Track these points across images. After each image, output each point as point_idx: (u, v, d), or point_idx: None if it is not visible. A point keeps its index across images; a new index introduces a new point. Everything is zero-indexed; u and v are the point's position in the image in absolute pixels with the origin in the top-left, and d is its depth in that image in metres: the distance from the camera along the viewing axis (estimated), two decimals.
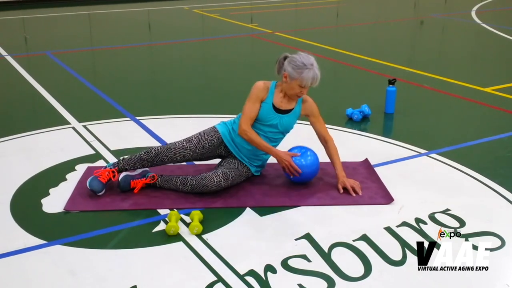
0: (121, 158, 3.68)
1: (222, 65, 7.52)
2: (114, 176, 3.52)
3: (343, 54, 7.90)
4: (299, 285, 2.63)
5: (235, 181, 3.53)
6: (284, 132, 3.63)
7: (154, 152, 3.59)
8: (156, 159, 3.58)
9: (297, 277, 2.69)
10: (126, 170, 3.59)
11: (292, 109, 3.59)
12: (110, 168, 3.55)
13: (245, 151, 3.61)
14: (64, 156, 4.13)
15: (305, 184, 3.64)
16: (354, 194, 3.46)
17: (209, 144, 3.61)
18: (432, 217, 3.24)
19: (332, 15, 12.66)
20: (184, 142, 3.61)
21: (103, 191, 3.49)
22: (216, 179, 3.44)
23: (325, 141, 3.66)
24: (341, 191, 3.48)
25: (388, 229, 3.11)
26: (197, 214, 3.14)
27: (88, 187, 3.44)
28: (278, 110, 3.55)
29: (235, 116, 3.75)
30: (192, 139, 3.62)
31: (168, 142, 4.31)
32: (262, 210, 3.33)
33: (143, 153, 3.61)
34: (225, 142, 3.63)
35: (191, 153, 3.59)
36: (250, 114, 3.52)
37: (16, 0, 13.43)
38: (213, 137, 3.63)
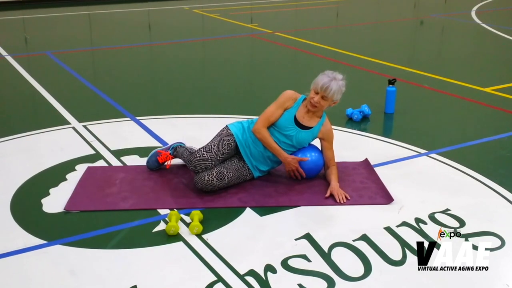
0: (180, 145, 3.87)
1: (222, 65, 7.52)
2: (169, 160, 3.87)
3: (343, 54, 7.90)
4: (299, 285, 2.63)
5: (231, 181, 3.54)
6: (296, 146, 3.62)
7: (186, 158, 3.66)
8: (187, 165, 3.65)
9: (297, 277, 2.69)
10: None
11: (312, 127, 3.60)
12: (169, 153, 3.85)
13: (255, 153, 3.61)
14: (64, 156, 4.13)
15: (305, 183, 3.65)
16: (338, 201, 3.41)
17: (228, 148, 3.59)
18: (432, 217, 3.24)
19: (332, 15, 12.66)
20: (204, 153, 3.53)
21: (156, 169, 3.87)
22: (208, 177, 3.46)
23: (328, 166, 3.68)
24: (327, 195, 3.46)
25: (388, 229, 3.12)
26: (197, 214, 3.14)
27: (146, 162, 3.86)
28: (298, 123, 3.57)
29: (237, 116, 3.75)
30: (211, 148, 3.56)
31: (169, 142, 4.32)
32: (262, 210, 3.33)
33: (183, 151, 3.77)
34: (236, 142, 3.62)
35: (214, 162, 3.53)
36: (270, 116, 3.56)
37: (16, 0, 13.42)
38: (230, 140, 3.61)
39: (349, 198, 3.44)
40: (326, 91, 3.45)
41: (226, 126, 3.72)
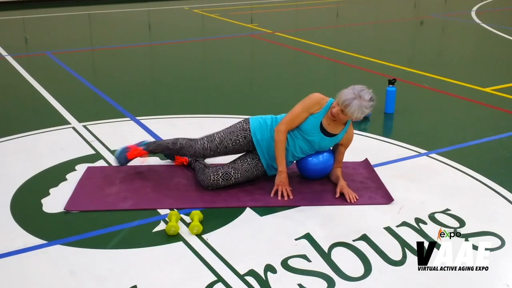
0: (152, 141, 3.78)
1: (222, 65, 7.52)
2: (141, 156, 3.75)
3: (343, 54, 7.90)
4: (299, 285, 2.63)
5: (238, 181, 3.54)
6: (317, 150, 3.58)
7: (179, 145, 3.63)
8: (180, 152, 3.65)
9: (297, 277, 2.69)
10: (153, 152, 3.77)
11: (336, 134, 3.54)
12: (143, 149, 3.73)
13: (271, 149, 3.52)
14: (64, 156, 4.13)
15: (305, 183, 3.65)
16: (349, 200, 3.42)
17: (233, 144, 3.54)
18: (432, 217, 3.24)
19: (332, 15, 12.66)
20: (206, 142, 3.56)
21: (125, 164, 3.76)
22: (213, 177, 3.48)
23: (334, 167, 3.68)
24: (337, 195, 3.47)
25: (388, 229, 3.12)
26: (197, 214, 3.14)
27: (115, 156, 3.73)
28: (323, 130, 3.49)
29: (237, 116, 3.72)
30: (214, 139, 3.56)
31: None
32: (262, 210, 3.33)
33: (170, 143, 3.67)
34: (253, 141, 3.55)
35: (212, 153, 3.56)
36: (294, 120, 3.46)
37: (16, 0, 13.42)
38: (239, 136, 3.54)
39: (357, 198, 3.44)
40: (345, 109, 3.32)
41: (247, 119, 3.62)
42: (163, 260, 2.83)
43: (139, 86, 6.34)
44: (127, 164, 3.78)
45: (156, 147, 3.73)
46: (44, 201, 3.45)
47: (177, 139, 3.67)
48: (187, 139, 3.65)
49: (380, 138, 4.58)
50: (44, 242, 2.98)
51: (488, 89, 6.02)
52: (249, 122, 3.59)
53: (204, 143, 3.56)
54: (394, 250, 2.91)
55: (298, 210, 3.34)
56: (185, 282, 2.65)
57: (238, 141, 3.55)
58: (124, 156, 3.72)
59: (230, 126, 3.62)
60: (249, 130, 3.55)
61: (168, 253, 2.89)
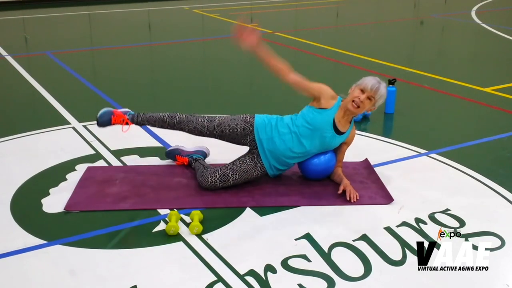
0: (141, 113, 3.77)
1: (222, 65, 7.52)
2: (125, 125, 3.72)
3: (343, 54, 7.90)
4: (299, 285, 2.63)
5: (236, 183, 3.53)
6: (324, 149, 3.57)
7: (177, 119, 3.64)
8: (177, 126, 3.65)
9: (297, 277, 2.69)
10: (141, 124, 3.78)
11: (344, 132, 3.54)
12: (127, 118, 3.73)
13: (276, 152, 3.51)
14: (64, 156, 4.13)
15: (305, 183, 3.65)
16: (348, 199, 3.41)
17: (230, 130, 3.55)
18: (432, 217, 3.24)
19: (332, 15, 12.66)
20: (206, 121, 3.60)
21: (105, 128, 3.78)
22: (211, 179, 3.48)
23: (336, 166, 3.68)
24: (340, 191, 3.47)
25: (388, 229, 3.12)
26: (197, 214, 3.14)
27: (98, 115, 3.74)
28: (335, 128, 3.48)
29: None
30: (214, 120, 3.60)
31: (169, 142, 4.32)
32: (262, 210, 3.33)
33: (166, 115, 3.67)
34: (255, 138, 3.55)
35: (208, 132, 3.59)
36: (304, 83, 3.44)
37: (16, 0, 13.42)
38: (238, 126, 3.55)
39: (358, 198, 3.43)
40: (376, 93, 3.38)
41: (253, 115, 3.62)
42: (163, 260, 2.83)
43: (139, 86, 6.34)
44: (105, 127, 3.79)
45: (147, 119, 3.73)
46: (44, 201, 3.45)
47: (176, 113, 3.68)
48: (187, 114, 3.66)
49: (380, 138, 4.58)
50: (44, 242, 2.98)
51: (488, 89, 6.02)
52: (254, 118, 3.60)
53: (204, 121, 3.59)
54: (394, 250, 2.91)
55: (298, 210, 3.34)
56: (185, 282, 2.65)
57: (235, 130, 3.55)
58: (108, 119, 3.73)
59: (235, 115, 3.65)
60: (251, 125, 3.55)
61: (168, 253, 2.89)
